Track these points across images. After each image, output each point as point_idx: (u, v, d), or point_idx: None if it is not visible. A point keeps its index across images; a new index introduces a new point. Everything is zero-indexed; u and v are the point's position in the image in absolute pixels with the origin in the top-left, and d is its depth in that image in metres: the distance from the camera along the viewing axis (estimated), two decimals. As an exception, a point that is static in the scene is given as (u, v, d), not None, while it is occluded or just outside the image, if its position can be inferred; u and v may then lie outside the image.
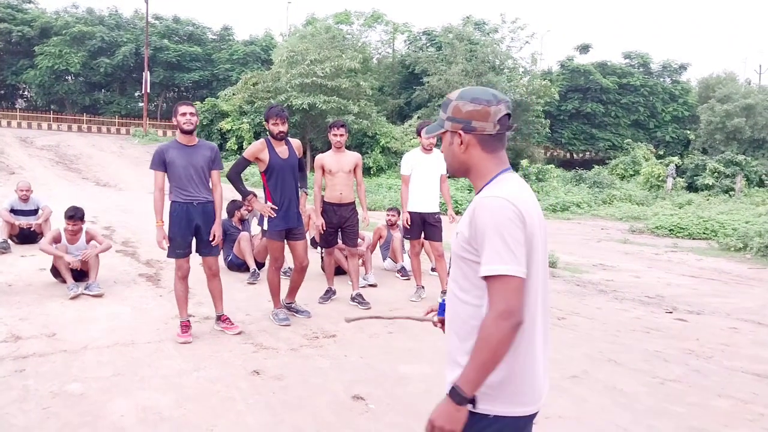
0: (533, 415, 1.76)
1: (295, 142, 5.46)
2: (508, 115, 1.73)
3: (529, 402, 1.71)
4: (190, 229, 4.90)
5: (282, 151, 5.26)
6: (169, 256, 4.95)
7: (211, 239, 4.95)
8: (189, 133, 4.86)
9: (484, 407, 1.66)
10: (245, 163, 5.30)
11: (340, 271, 6.98)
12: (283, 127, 5.20)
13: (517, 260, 1.57)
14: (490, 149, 1.74)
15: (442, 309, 1.98)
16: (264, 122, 5.42)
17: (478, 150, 1.74)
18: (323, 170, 6.02)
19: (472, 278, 1.67)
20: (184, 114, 4.80)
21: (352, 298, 6.16)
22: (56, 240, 6.36)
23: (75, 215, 6.33)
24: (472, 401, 1.61)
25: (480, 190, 1.73)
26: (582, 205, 21.20)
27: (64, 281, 6.27)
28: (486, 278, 1.59)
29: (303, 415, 3.61)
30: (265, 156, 5.20)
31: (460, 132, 1.73)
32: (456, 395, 1.59)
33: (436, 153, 6.29)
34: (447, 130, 1.76)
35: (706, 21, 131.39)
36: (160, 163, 4.82)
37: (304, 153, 22.80)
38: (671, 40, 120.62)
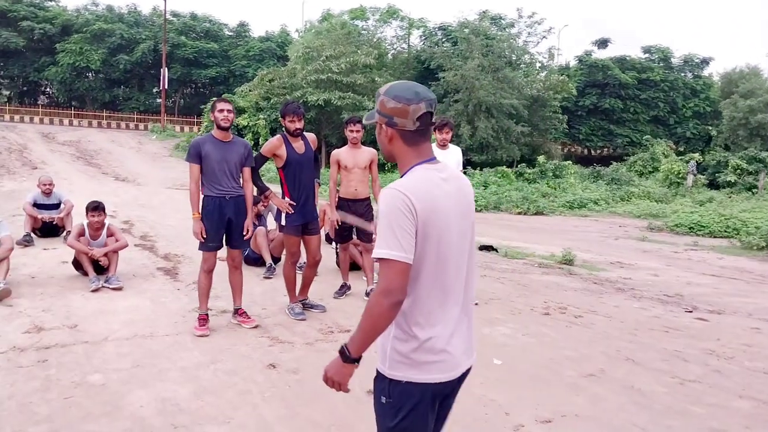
0: (453, 382, 1.93)
1: (311, 136, 5.49)
2: (430, 112, 1.87)
3: (442, 371, 1.87)
4: (223, 223, 4.96)
5: (299, 146, 5.28)
6: (200, 248, 5.00)
7: (245, 233, 5.05)
8: (225, 129, 4.93)
9: (397, 374, 1.85)
10: (263, 159, 5.35)
11: (354, 266, 7.00)
12: (300, 124, 5.22)
13: (401, 246, 1.73)
14: (411, 143, 1.89)
15: None
16: (280, 119, 5.44)
17: (400, 143, 1.89)
18: (339, 166, 6.03)
19: None
20: (221, 111, 4.87)
21: (367, 294, 6.17)
22: (80, 234, 6.47)
23: (99, 206, 6.48)
24: (357, 361, 1.84)
25: None
26: (599, 202, 21.01)
27: (85, 274, 6.36)
28: (377, 260, 1.77)
29: (318, 408, 3.63)
30: (283, 152, 5.23)
31: (384, 125, 1.89)
32: (343, 354, 1.84)
33: (452, 149, 6.26)
34: (377, 121, 1.92)
35: (729, 14, 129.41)
36: (196, 156, 4.88)
37: (319, 149, 22.69)
38: (693, 34, 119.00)
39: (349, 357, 1.82)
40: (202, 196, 4.95)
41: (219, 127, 4.91)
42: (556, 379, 4.27)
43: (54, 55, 39.90)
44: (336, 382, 1.87)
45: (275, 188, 5.68)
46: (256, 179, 5.30)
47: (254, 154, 5.34)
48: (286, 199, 5.29)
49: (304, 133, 5.36)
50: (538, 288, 7.23)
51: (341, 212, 6.08)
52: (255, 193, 5.48)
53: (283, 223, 5.38)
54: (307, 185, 5.34)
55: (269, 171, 18.19)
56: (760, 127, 32.43)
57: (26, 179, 16.50)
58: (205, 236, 4.89)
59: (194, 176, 4.91)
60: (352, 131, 5.96)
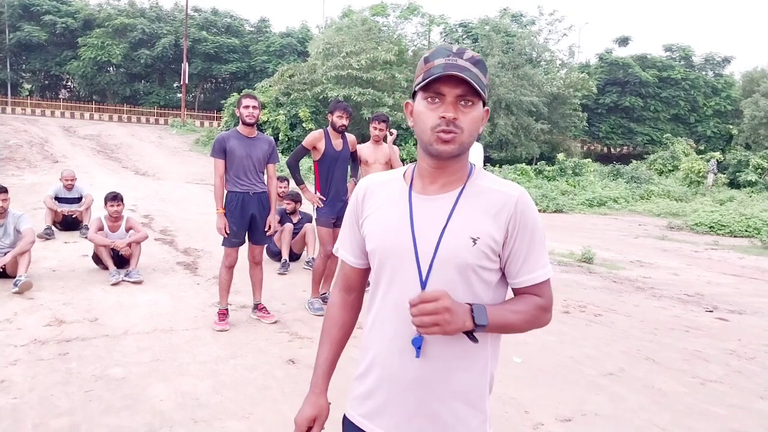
0: None
1: (350, 137, 5.64)
2: None
3: None
4: (246, 219, 4.99)
5: (337, 143, 5.44)
6: (223, 244, 5.05)
7: (266, 229, 5.09)
8: (250, 125, 4.96)
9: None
10: (304, 151, 5.50)
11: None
12: (346, 122, 5.41)
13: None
14: None
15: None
16: (328, 114, 5.56)
17: None
18: (360, 161, 6.07)
19: (490, 286, 1.45)
20: (247, 107, 4.90)
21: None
22: (99, 228, 6.54)
23: (117, 196, 6.60)
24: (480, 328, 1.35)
25: (469, 176, 1.43)
26: (619, 200, 20.83)
27: (105, 268, 6.43)
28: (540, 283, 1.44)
29: (338, 405, 3.63)
30: (321, 145, 5.39)
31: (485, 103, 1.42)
32: (475, 330, 1.34)
33: (475, 145, 6.30)
34: (483, 100, 1.39)
35: (751, 13, 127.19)
36: (221, 151, 4.91)
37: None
38: (715, 32, 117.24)
39: (482, 325, 1.34)
40: (225, 192, 4.98)
41: (244, 123, 4.94)
42: (576, 378, 4.23)
43: (76, 50, 40.29)
44: (447, 311, 1.28)
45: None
46: (295, 171, 5.45)
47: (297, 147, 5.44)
48: (317, 193, 5.43)
49: (346, 133, 5.54)
50: (557, 286, 7.16)
51: None
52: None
53: (315, 215, 5.53)
54: (339, 181, 5.50)
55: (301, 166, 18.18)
56: (782, 126, 31.93)
57: (47, 172, 16.67)
58: (228, 232, 4.92)
59: (219, 171, 4.95)
60: (376, 128, 6.00)
